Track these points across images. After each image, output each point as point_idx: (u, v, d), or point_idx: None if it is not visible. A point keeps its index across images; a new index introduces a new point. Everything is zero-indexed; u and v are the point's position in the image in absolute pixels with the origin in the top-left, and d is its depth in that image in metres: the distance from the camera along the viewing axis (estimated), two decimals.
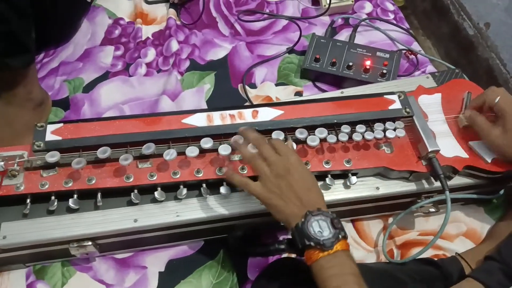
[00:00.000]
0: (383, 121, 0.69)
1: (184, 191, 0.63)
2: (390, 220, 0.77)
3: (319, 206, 0.54)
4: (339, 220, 0.53)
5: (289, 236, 0.55)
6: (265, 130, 0.66)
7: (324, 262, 0.50)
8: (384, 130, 0.68)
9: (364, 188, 0.68)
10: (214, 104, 0.91)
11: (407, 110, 0.70)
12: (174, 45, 0.99)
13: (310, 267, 0.51)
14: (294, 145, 0.65)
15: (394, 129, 0.68)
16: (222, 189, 0.64)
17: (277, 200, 0.55)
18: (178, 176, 0.64)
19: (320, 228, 0.51)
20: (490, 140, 0.66)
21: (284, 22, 1.06)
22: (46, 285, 0.69)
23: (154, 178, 0.63)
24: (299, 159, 0.58)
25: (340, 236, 0.51)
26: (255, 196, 0.57)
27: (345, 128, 0.67)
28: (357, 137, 0.66)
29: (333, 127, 0.68)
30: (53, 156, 0.61)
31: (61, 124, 0.65)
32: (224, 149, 0.62)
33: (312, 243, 0.51)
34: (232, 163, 0.66)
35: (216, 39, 1.03)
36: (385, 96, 0.72)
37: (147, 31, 1.03)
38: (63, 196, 0.62)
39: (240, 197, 0.66)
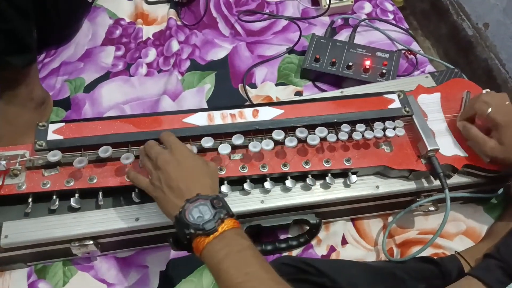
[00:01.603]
0: (383, 120, 0.70)
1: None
2: (390, 219, 0.77)
3: (201, 192, 0.51)
4: (220, 200, 0.50)
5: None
6: (266, 129, 0.67)
7: (212, 246, 0.47)
8: (384, 129, 0.68)
9: (364, 187, 0.69)
10: (215, 104, 0.92)
11: (407, 109, 0.70)
12: (175, 45, 1.00)
13: (200, 258, 0.49)
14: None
15: (394, 128, 0.68)
16: (223, 188, 0.64)
17: (158, 192, 0.54)
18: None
19: (200, 213, 0.49)
20: (486, 152, 0.65)
21: (284, 22, 1.06)
22: (48, 284, 0.69)
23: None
24: (182, 148, 0.56)
25: (222, 215, 0.49)
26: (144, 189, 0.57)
27: (345, 127, 0.67)
28: (357, 136, 0.67)
29: (333, 126, 0.68)
30: (54, 155, 0.61)
31: (63, 124, 0.65)
32: (224, 148, 0.63)
33: (192, 230, 0.48)
34: (233, 162, 0.66)
35: (216, 39, 1.03)
36: (384, 95, 0.72)
37: (147, 31, 1.04)
38: (64, 195, 0.63)
39: (240, 197, 0.66)
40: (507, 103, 0.65)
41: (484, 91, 0.76)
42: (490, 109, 0.64)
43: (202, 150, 0.64)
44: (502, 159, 0.64)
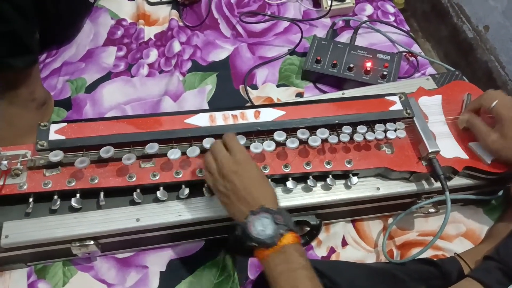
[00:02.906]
0: (384, 122, 0.70)
1: (186, 190, 0.64)
2: (390, 220, 0.77)
3: (264, 203, 0.53)
4: (282, 215, 0.52)
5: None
6: (267, 130, 0.67)
7: (271, 259, 0.50)
8: (385, 131, 0.68)
9: (364, 188, 0.69)
10: (216, 105, 0.92)
11: (408, 111, 0.71)
12: (176, 46, 1.00)
13: (261, 265, 0.51)
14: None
15: (395, 130, 0.69)
16: None
17: (224, 198, 0.56)
18: (180, 175, 0.64)
19: (263, 226, 0.51)
20: (488, 144, 0.66)
21: (285, 23, 1.07)
22: (48, 284, 0.69)
23: (157, 177, 0.64)
24: (247, 156, 0.58)
25: (282, 231, 0.51)
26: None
27: (346, 129, 0.67)
28: (358, 137, 0.67)
29: (335, 127, 0.69)
30: (56, 156, 0.61)
31: (65, 124, 0.65)
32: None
33: (254, 243, 0.51)
34: None
35: (218, 41, 1.03)
36: (386, 97, 0.73)
37: (149, 32, 1.04)
38: (66, 195, 0.63)
39: None
40: None
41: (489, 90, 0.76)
42: (495, 103, 0.65)
43: (204, 151, 0.64)
44: (503, 153, 0.65)
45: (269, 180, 0.65)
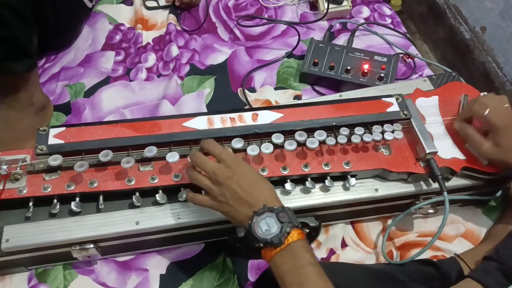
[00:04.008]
0: (381, 123, 0.70)
1: (185, 193, 0.64)
2: (389, 221, 0.77)
3: (266, 202, 0.54)
4: (286, 212, 0.53)
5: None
6: (265, 133, 0.67)
7: (278, 258, 0.50)
8: (382, 132, 0.69)
9: (363, 189, 0.69)
10: (214, 108, 0.92)
11: (405, 112, 0.71)
12: (174, 50, 1.00)
13: (269, 264, 0.52)
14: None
15: (392, 131, 0.69)
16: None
17: (226, 207, 0.56)
18: (179, 178, 0.64)
19: (268, 226, 0.51)
20: (482, 153, 0.66)
21: (283, 27, 1.07)
22: None
23: (156, 181, 0.64)
24: (236, 159, 0.58)
25: (288, 229, 0.51)
26: (210, 208, 0.58)
27: (344, 131, 0.68)
28: (355, 139, 0.67)
29: (332, 129, 0.69)
30: (55, 160, 0.62)
31: (64, 128, 0.65)
32: None
33: (261, 244, 0.51)
34: None
35: (215, 44, 1.04)
36: (383, 99, 0.73)
37: (147, 37, 1.05)
38: (65, 199, 0.63)
39: None
40: (506, 105, 0.66)
41: (481, 94, 0.76)
42: (487, 111, 0.64)
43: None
44: (497, 161, 0.65)
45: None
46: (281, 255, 0.50)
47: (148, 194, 0.65)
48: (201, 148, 0.61)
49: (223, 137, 0.66)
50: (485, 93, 0.76)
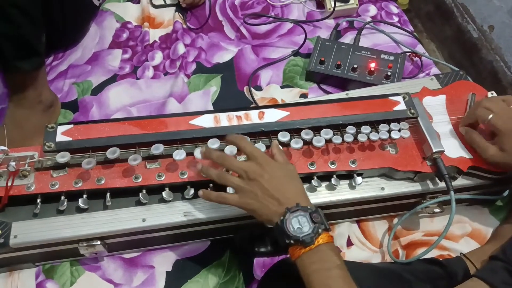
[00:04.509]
0: (388, 122, 0.70)
1: (192, 191, 0.64)
2: (395, 220, 0.77)
3: (298, 201, 0.54)
4: (319, 213, 0.53)
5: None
6: (271, 131, 0.67)
7: (306, 257, 0.50)
8: (389, 131, 0.68)
9: (369, 188, 0.69)
10: (220, 106, 0.92)
11: (412, 111, 0.71)
12: (181, 48, 1.01)
13: (294, 263, 0.52)
14: (263, 147, 0.64)
15: (399, 130, 0.69)
16: (229, 189, 0.64)
17: (255, 204, 0.56)
18: (185, 176, 0.65)
19: (299, 224, 0.52)
20: (487, 158, 0.66)
21: (289, 25, 1.07)
22: (55, 284, 0.70)
23: (162, 178, 0.64)
24: (267, 158, 0.58)
25: (320, 230, 0.51)
26: (236, 207, 0.58)
27: (350, 129, 0.68)
28: (362, 138, 0.67)
29: (339, 128, 0.69)
30: (63, 157, 0.62)
31: (71, 125, 0.66)
32: (230, 150, 0.63)
33: (292, 241, 0.51)
34: None
35: (222, 42, 1.04)
36: (390, 97, 0.73)
37: (154, 35, 1.05)
38: (73, 196, 0.64)
39: None
40: (511, 106, 0.65)
41: (489, 93, 0.76)
42: (491, 116, 0.64)
43: None
44: (503, 166, 0.65)
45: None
46: (309, 255, 0.51)
47: (154, 191, 0.65)
48: (229, 142, 0.61)
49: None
50: (493, 92, 0.76)
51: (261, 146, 0.64)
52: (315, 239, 0.51)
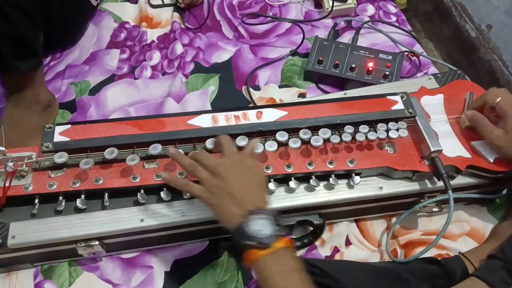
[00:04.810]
0: (386, 121, 0.70)
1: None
2: (394, 219, 0.77)
3: (259, 205, 0.54)
4: (280, 218, 0.53)
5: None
6: (269, 130, 0.67)
7: (265, 260, 0.50)
8: (387, 131, 0.68)
9: (367, 188, 0.69)
10: (219, 106, 0.92)
11: (410, 110, 0.71)
12: (179, 48, 1.01)
13: (251, 266, 0.51)
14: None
15: (397, 130, 0.69)
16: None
17: (217, 200, 0.55)
18: (183, 176, 0.65)
19: (260, 226, 0.51)
20: (491, 140, 0.67)
21: (287, 25, 1.07)
22: (54, 284, 0.70)
23: (160, 178, 0.64)
24: (243, 158, 0.58)
25: (280, 233, 0.51)
26: (197, 198, 0.58)
27: (349, 129, 0.68)
28: (360, 137, 0.67)
29: (337, 127, 0.69)
30: (61, 157, 0.62)
31: (69, 126, 0.66)
32: None
33: (251, 243, 0.50)
34: None
35: (220, 42, 1.04)
36: (388, 97, 0.73)
37: (152, 35, 1.05)
38: (70, 196, 0.64)
39: None
40: None
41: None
42: (499, 99, 0.66)
43: (206, 151, 0.65)
44: (506, 149, 0.65)
45: (270, 180, 0.65)
46: (267, 258, 0.50)
47: (153, 191, 0.65)
48: (217, 142, 0.61)
49: (227, 135, 0.66)
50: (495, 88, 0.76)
51: (259, 145, 0.64)
52: (274, 242, 0.50)
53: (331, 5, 1.05)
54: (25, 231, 0.62)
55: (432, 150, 0.66)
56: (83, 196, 0.63)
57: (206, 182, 0.57)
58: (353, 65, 0.92)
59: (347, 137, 0.67)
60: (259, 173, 0.59)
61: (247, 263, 0.52)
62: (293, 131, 0.67)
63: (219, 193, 0.55)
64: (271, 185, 0.65)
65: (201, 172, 0.57)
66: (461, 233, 0.76)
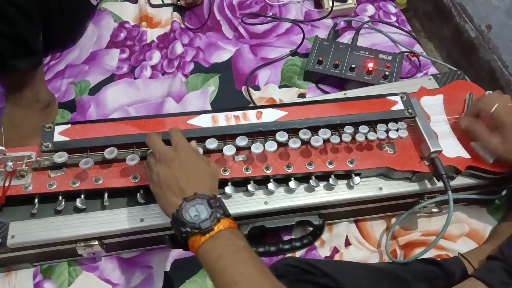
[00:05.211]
0: (386, 122, 0.70)
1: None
2: (393, 220, 0.77)
3: (197, 191, 0.51)
4: (217, 199, 0.51)
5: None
6: (269, 131, 0.67)
7: (207, 245, 0.47)
8: (387, 131, 0.68)
9: (367, 188, 0.69)
10: (218, 106, 0.92)
11: (410, 111, 0.71)
12: (179, 48, 1.01)
13: (196, 256, 0.49)
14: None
15: (397, 130, 0.69)
16: (227, 189, 0.64)
17: (156, 188, 0.55)
18: None
19: (197, 212, 0.49)
20: (490, 149, 0.66)
21: (287, 25, 1.07)
22: (53, 284, 0.70)
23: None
24: (187, 148, 0.57)
25: (218, 215, 0.49)
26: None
27: (348, 129, 0.68)
28: (360, 137, 0.67)
29: (336, 128, 0.69)
30: (61, 157, 0.62)
31: (69, 125, 0.66)
32: (229, 150, 0.63)
33: (188, 229, 0.48)
34: (237, 163, 0.66)
35: (220, 42, 1.04)
36: (387, 97, 0.73)
37: (152, 34, 1.05)
38: (70, 196, 0.64)
39: (244, 198, 0.66)
40: (510, 104, 0.65)
41: (486, 92, 0.76)
42: (495, 107, 0.64)
43: (206, 152, 0.65)
44: (505, 157, 0.65)
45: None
46: (210, 242, 0.47)
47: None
48: (169, 134, 0.61)
49: (227, 135, 0.66)
50: (490, 91, 0.76)
51: (258, 146, 0.64)
52: (214, 225, 0.48)
53: (331, 5, 1.05)
54: (25, 231, 0.62)
55: (432, 150, 0.66)
56: (82, 196, 0.63)
57: (149, 168, 0.56)
58: (353, 65, 0.92)
59: (347, 138, 0.67)
60: (204, 163, 0.57)
61: (194, 254, 0.49)
62: (293, 131, 0.67)
63: (157, 181, 0.54)
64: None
65: (149, 157, 0.57)
66: (461, 234, 0.76)
